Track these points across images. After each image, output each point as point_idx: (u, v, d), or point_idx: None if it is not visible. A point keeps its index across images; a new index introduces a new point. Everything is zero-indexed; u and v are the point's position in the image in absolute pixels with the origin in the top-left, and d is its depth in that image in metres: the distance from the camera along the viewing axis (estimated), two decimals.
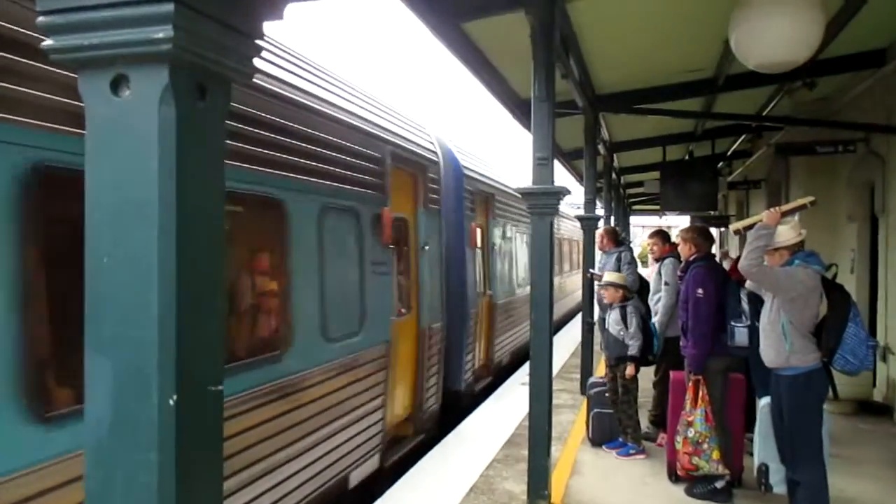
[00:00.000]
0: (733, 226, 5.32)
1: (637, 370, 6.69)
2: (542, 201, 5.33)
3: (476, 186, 9.88)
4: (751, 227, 4.90)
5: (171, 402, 1.27)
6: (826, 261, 4.84)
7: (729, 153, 15.50)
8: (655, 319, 7.00)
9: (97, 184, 1.33)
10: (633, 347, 6.58)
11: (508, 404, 8.87)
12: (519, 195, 5.50)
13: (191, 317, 1.31)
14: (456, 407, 8.89)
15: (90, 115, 1.33)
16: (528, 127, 5.76)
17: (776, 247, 4.73)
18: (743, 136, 13.53)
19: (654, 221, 30.30)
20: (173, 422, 1.27)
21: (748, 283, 5.55)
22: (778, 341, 4.64)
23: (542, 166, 5.29)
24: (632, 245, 9.24)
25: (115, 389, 1.30)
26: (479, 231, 10.09)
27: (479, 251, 10.00)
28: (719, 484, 5.56)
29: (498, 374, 11.12)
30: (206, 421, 1.37)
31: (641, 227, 46.00)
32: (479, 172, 10.27)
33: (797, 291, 4.58)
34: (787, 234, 4.76)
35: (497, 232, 11.24)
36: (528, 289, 9.51)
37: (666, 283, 7.12)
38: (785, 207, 4.91)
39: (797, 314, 4.59)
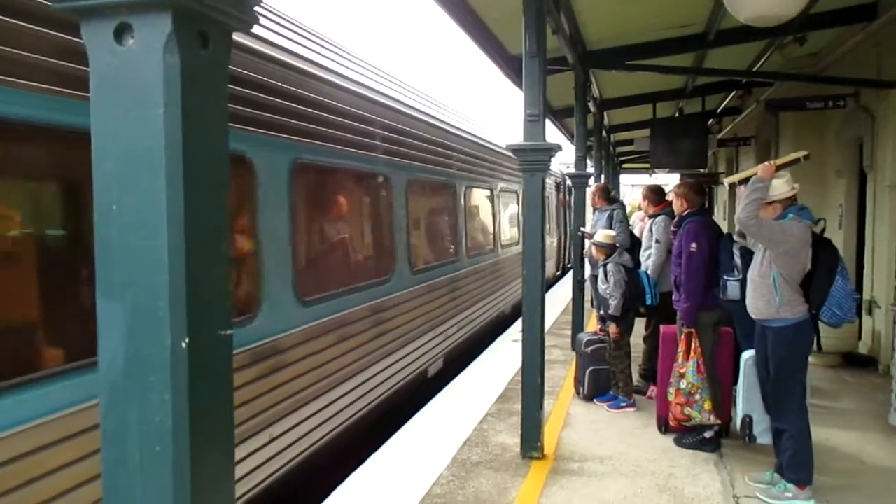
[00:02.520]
0: (728, 179, 5.34)
1: (622, 328, 6.77)
2: (534, 158, 5.34)
3: None
4: (745, 180, 4.92)
5: (184, 345, 1.31)
6: (815, 216, 4.92)
7: (719, 110, 15.48)
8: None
9: (104, 133, 1.34)
10: (612, 306, 6.65)
11: (500, 360, 8.97)
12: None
13: (199, 261, 1.34)
14: None
15: (94, 65, 1.34)
16: (518, 84, 5.74)
17: (770, 200, 4.76)
18: (733, 93, 13.51)
19: (644, 179, 30.37)
20: (186, 364, 1.31)
21: (737, 237, 5.61)
22: (768, 293, 4.71)
23: (534, 122, 5.29)
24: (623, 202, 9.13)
25: (127, 333, 1.33)
26: None
27: None
28: (708, 434, 5.69)
29: None
30: (217, 363, 1.41)
31: (631, 186, 46.05)
32: None
33: (790, 244, 4.64)
34: (781, 187, 4.80)
35: None
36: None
37: (657, 241, 7.16)
38: (779, 161, 4.94)
39: (788, 267, 4.66)
